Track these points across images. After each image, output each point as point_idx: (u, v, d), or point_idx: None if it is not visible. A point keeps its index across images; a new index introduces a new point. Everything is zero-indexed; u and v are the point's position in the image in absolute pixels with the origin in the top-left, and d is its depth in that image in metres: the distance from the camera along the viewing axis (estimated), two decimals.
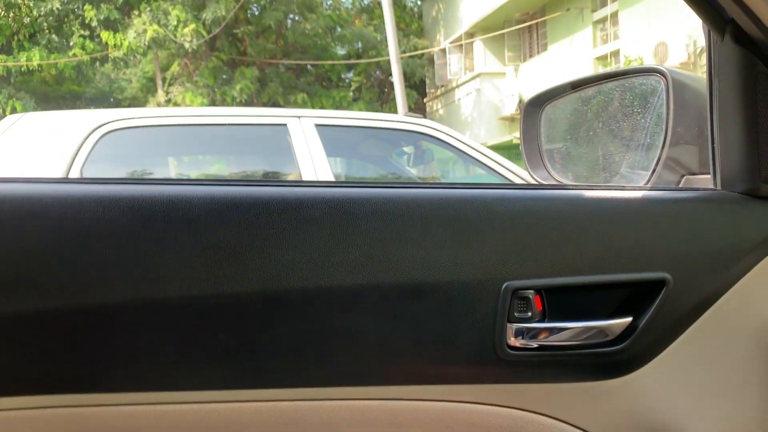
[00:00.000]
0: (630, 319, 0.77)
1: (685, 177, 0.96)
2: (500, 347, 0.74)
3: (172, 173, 3.91)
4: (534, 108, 1.19)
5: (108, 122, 2.88)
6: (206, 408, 0.69)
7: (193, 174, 4.14)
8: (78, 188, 0.70)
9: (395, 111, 10.92)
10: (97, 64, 16.55)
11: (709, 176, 0.89)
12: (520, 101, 13.51)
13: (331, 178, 3.05)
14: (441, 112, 17.03)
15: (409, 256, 0.72)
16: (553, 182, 1.17)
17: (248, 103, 15.07)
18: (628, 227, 0.80)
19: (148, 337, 0.66)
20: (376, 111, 15.83)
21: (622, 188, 0.86)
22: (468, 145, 3.33)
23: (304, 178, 3.01)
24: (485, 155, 3.27)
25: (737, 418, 0.82)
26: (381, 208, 0.73)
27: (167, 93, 15.68)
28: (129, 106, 17.75)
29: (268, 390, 0.69)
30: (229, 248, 0.67)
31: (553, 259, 0.76)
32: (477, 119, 14.87)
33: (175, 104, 15.28)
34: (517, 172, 3.15)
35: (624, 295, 0.79)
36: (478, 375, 0.75)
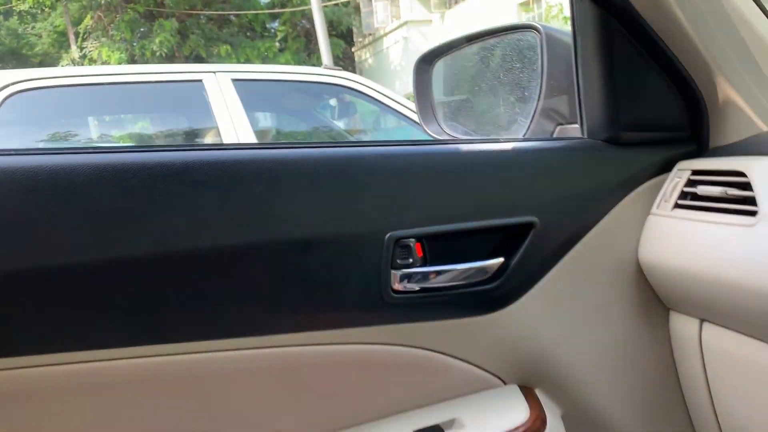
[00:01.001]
0: (502, 259, 0.85)
1: (558, 126, 1.04)
2: (385, 292, 0.80)
3: (94, 134, 3.79)
4: (425, 65, 1.24)
5: (15, 82, 2.76)
6: (107, 366, 0.73)
7: (117, 133, 4.03)
8: None
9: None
10: (1, 18, 15.46)
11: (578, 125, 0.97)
12: None
13: (251, 134, 3.03)
14: (370, 61, 16.89)
15: (296, 213, 0.77)
16: (445, 136, 1.23)
17: (169, 57, 14.49)
18: (500, 176, 0.87)
19: (40, 302, 0.69)
20: (303, 61, 15.53)
21: (497, 140, 0.92)
22: (388, 97, 3.37)
23: (223, 135, 2.99)
24: (405, 106, 3.31)
25: (599, 341, 0.92)
26: (267, 168, 0.77)
27: (81, 48, 14.89)
28: (41, 62, 16.76)
29: (166, 345, 0.74)
30: (117, 214, 0.70)
31: (431, 209, 0.83)
32: (406, 68, 14.85)
33: (91, 60, 14.54)
34: None
35: (497, 238, 0.87)
36: (366, 318, 0.82)
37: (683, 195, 0.88)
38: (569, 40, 0.99)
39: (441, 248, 0.84)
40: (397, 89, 13.94)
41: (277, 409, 0.80)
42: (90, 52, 14.62)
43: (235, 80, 3.08)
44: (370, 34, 16.55)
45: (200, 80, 3.06)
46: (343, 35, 17.08)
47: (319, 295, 0.79)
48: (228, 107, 3.01)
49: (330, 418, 0.83)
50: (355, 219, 0.79)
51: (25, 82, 2.81)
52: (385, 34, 15.57)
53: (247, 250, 0.75)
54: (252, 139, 3.03)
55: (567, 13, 1.09)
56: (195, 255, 0.73)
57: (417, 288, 0.82)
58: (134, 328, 0.73)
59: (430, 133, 1.24)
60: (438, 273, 0.83)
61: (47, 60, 16.74)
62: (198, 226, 0.73)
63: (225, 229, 0.74)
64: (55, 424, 0.73)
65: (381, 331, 0.83)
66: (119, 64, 13.94)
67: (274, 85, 3.32)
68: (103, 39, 14.68)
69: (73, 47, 15.06)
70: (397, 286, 0.81)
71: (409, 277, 0.82)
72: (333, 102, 4.11)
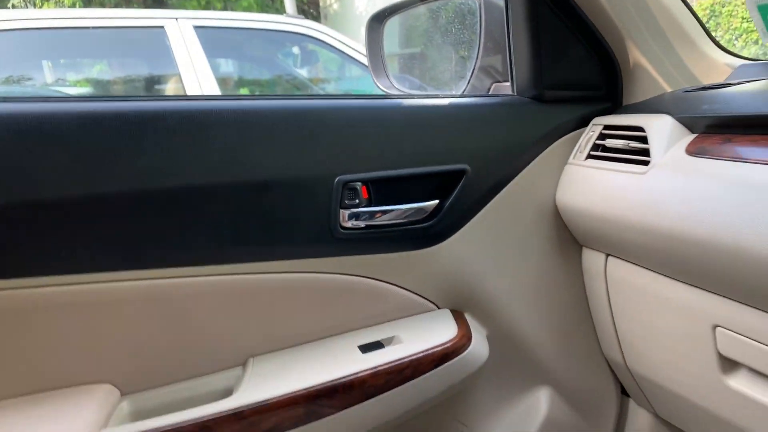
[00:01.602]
0: (437, 201, 0.97)
1: (494, 84, 1.15)
2: (335, 228, 0.93)
3: (49, 78, 3.75)
4: (376, 23, 1.33)
5: None
6: (90, 288, 0.83)
7: (73, 77, 3.98)
8: None
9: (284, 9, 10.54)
10: None
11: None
12: None
13: (213, 81, 3.07)
14: (335, 7, 16.55)
15: (255, 158, 0.88)
16: (395, 90, 1.34)
17: None
18: (438, 128, 0.99)
19: (31, 231, 0.79)
20: (267, 6, 15.15)
21: (436, 96, 1.04)
22: (350, 47, 3.43)
23: (185, 82, 3.02)
24: (363, 54, 3.38)
25: (521, 272, 1.06)
26: (231, 118, 0.87)
27: None
28: None
29: (140, 271, 0.85)
30: (97, 156, 0.80)
31: (376, 157, 0.94)
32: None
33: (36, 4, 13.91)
34: None
35: (434, 182, 0.99)
36: (318, 251, 0.94)
37: (595, 147, 1.01)
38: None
39: (384, 191, 0.96)
40: (361, 37, 13.75)
41: (237, 328, 0.93)
42: None
43: (197, 27, 3.09)
44: None
45: (162, 26, 3.07)
46: None
47: (276, 230, 0.90)
48: (190, 54, 3.04)
49: (284, 336, 0.96)
50: (308, 164, 0.90)
51: None
52: None
53: (213, 189, 0.85)
54: (214, 86, 3.07)
55: None
56: (167, 193, 0.83)
57: (363, 225, 0.94)
58: (114, 256, 0.83)
59: (381, 87, 1.34)
60: (381, 213, 0.95)
61: None
62: (170, 167, 0.83)
63: (194, 171, 0.84)
64: (43, 339, 0.84)
65: (331, 263, 0.95)
66: (75, 4, 13.40)
67: (236, 32, 3.35)
68: None
69: None
70: (345, 224, 0.93)
71: (356, 216, 0.94)
72: (296, 50, 4.12)
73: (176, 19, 3.10)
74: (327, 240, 0.93)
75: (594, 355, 1.14)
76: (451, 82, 1.26)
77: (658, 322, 0.93)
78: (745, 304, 0.76)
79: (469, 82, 1.14)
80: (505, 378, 1.10)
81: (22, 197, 0.77)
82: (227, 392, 0.89)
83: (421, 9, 1.28)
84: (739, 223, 0.70)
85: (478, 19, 1.12)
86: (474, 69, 1.13)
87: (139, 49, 3.44)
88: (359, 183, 0.93)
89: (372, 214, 0.95)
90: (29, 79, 3.36)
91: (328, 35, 3.41)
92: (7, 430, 0.78)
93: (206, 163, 0.85)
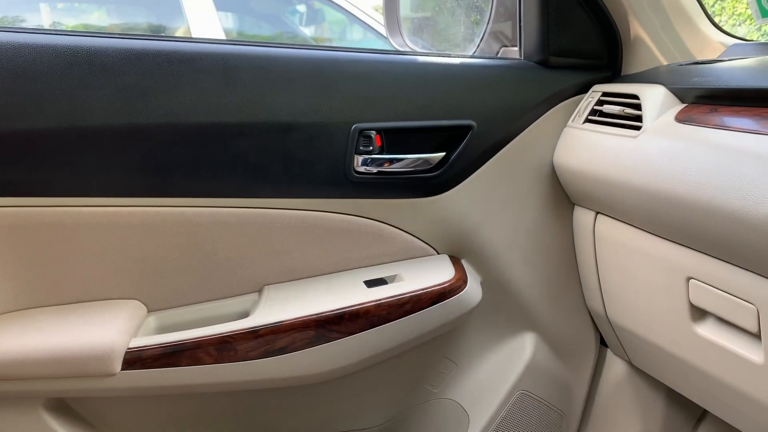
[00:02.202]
0: (444, 153, 1.05)
1: (502, 48, 1.22)
2: (349, 172, 1.00)
3: (45, 21, 3.73)
4: None
5: None
6: (120, 211, 0.91)
7: (70, 22, 3.96)
8: (15, 36, 0.85)
9: None
10: None
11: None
12: None
13: (221, 32, 3.11)
14: None
15: (279, 102, 0.95)
16: (407, 48, 1.41)
17: None
18: (449, 86, 1.06)
19: (74, 154, 0.86)
20: None
21: (449, 55, 1.11)
22: (356, 7, 3.45)
23: (193, 32, 3.05)
24: (373, 18, 3.42)
25: (516, 225, 1.15)
26: (258, 62, 0.94)
27: None
28: None
29: (172, 198, 0.93)
30: (139, 89, 0.87)
31: (390, 108, 1.02)
32: None
33: None
34: None
35: (441, 136, 1.07)
36: (332, 192, 1.02)
37: (593, 112, 1.09)
38: None
39: (396, 140, 1.03)
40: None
41: (255, 258, 1.01)
42: None
43: None
44: None
45: None
46: None
47: (295, 169, 0.98)
48: (199, 5, 3.06)
49: (297, 268, 1.04)
50: (327, 110, 0.98)
51: None
52: None
53: (240, 128, 0.93)
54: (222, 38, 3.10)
55: None
56: (199, 128, 0.91)
57: (374, 171, 1.02)
58: (146, 182, 0.91)
59: (395, 45, 1.40)
60: (392, 161, 1.03)
61: None
62: (202, 105, 0.90)
63: (223, 109, 0.92)
64: (82, 254, 0.92)
65: (343, 204, 1.03)
66: None
67: None
68: None
69: None
70: (359, 168, 1.01)
71: (369, 162, 1.01)
72: (301, 8, 4.14)
73: None
74: (341, 182, 1.01)
75: (578, 305, 1.23)
76: (461, 44, 1.33)
77: (638, 275, 1.02)
78: (717, 258, 0.85)
79: (478, 46, 1.21)
80: (494, 322, 1.20)
81: (70, 123, 0.84)
82: (243, 314, 0.98)
83: None
84: (716, 184, 0.78)
85: None
86: (484, 33, 1.19)
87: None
88: (374, 131, 1.01)
89: (383, 161, 1.02)
90: (23, 20, 3.35)
91: None
92: (49, 333, 0.87)
93: (235, 103, 0.92)
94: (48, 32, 0.86)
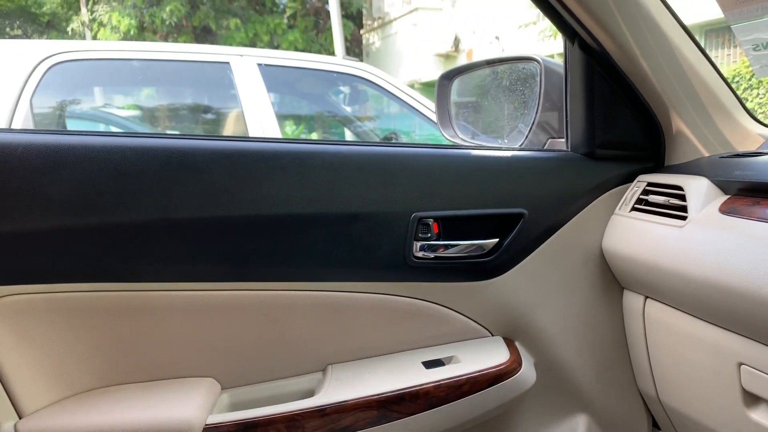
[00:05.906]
0: (497, 240, 1.12)
1: (549, 139, 1.30)
2: (408, 257, 1.08)
3: (98, 101, 3.92)
4: (446, 80, 1.50)
5: (56, 54, 2.99)
6: (205, 295, 1.00)
7: (121, 101, 4.15)
8: (121, 140, 0.97)
9: (331, 41, 10.93)
10: None
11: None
12: (456, 39, 13.73)
13: (272, 115, 3.28)
14: (377, 44, 17.02)
15: (347, 194, 1.04)
16: (458, 140, 1.50)
17: (178, 27, 14.58)
18: (501, 177, 1.14)
19: (165, 244, 0.96)
20: (312, 40, 15.61)
21: (500, 148, 1.19)
22: (399, 89, 3.63)
23: (247, 115, 3.23)
24: (413, 98, 3.58)
25: (567, 308, 1.19)
26: (328, 159, 1.04)
27: (92, 12, 14.93)
28: (49, 22, 16.72)
29: (249, 283, 1.01)
30: (222, 185, 0.97)
31: (447, 197, 1.09)
32: (413, 54, 14.99)
33: (101, 24, 14.58)
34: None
35: (495, 223, 1.14)
36: (393, 275, 1.09)
37: (639, 201, 1.14)
38: (562, 70, 1.26)
39: (452, 228, 1.11)
40: (401, 75, 14.10)
41: (320, 338, 1.08)
42: (100, 16, 14.69)
43: (260, 65, 3.32)
44: (379, 18, 16.67)
45: (228, 62, 3.30)
46: (353, 17, 17.17)
47: (359, 255, 1.06)
48: (253, 89, 3.26)
49: (358, 348, 1.10)
50: (390, 200, 1.06)
51: (67, 53, 3.03)
52: (395, 19, 15.70)
53: (311, 218, 1.02)
54: (273, 120, 3.27)
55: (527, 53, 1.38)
56: (275, 219, 1.00)
57: (432, 256, 1.09)
58: (227, 269, 1.00)
59: (446, 137, 1.50)
60: (448, 246, 1.10)
61: (55, 21, 16.76)
62: (279, 198, 1.00)
63: (297, 202, 1.01)
64: (163, 335, 1.00)
65: (403, 287, 1.10)
66: (129, 30, 14.03)
67: (295, 70, 3.57)
68: (114, 3, 14.75)
69: (84, 10, 15.13)
70: (418, 254, 1.08)
71: (427, 248, 1.09)
72: (345, 89, 4.36)
73: (241, 56, 3.33)
74: (401, 267, 1.08)
75: (629, 388, 1.25)
76: (511, 135, 1.42)
77: (689, 359, 1.05)
78: (767, 345, 0.88)
79: (527, 137, 1.29)
80: (547, 404, 1.22)
81: (162, 215, 0.94)
82: (309, 393, 1.03)
83: (483, 71, 1.45)
84: (763, 274, 0.83)
85: (539, 81, 1.28)
86: (533, 124, 1.28)
87: (204, 83, 3.64)
88: (431, 219, 1.08)
89: (440, 247, 1.09)
90: (78, 102, 3.56)
91: (380, 77, 3.62)
92: (131, 410, 0.94)
93: (308, 196, 1.01)
94: (147, 135, 0.97)
